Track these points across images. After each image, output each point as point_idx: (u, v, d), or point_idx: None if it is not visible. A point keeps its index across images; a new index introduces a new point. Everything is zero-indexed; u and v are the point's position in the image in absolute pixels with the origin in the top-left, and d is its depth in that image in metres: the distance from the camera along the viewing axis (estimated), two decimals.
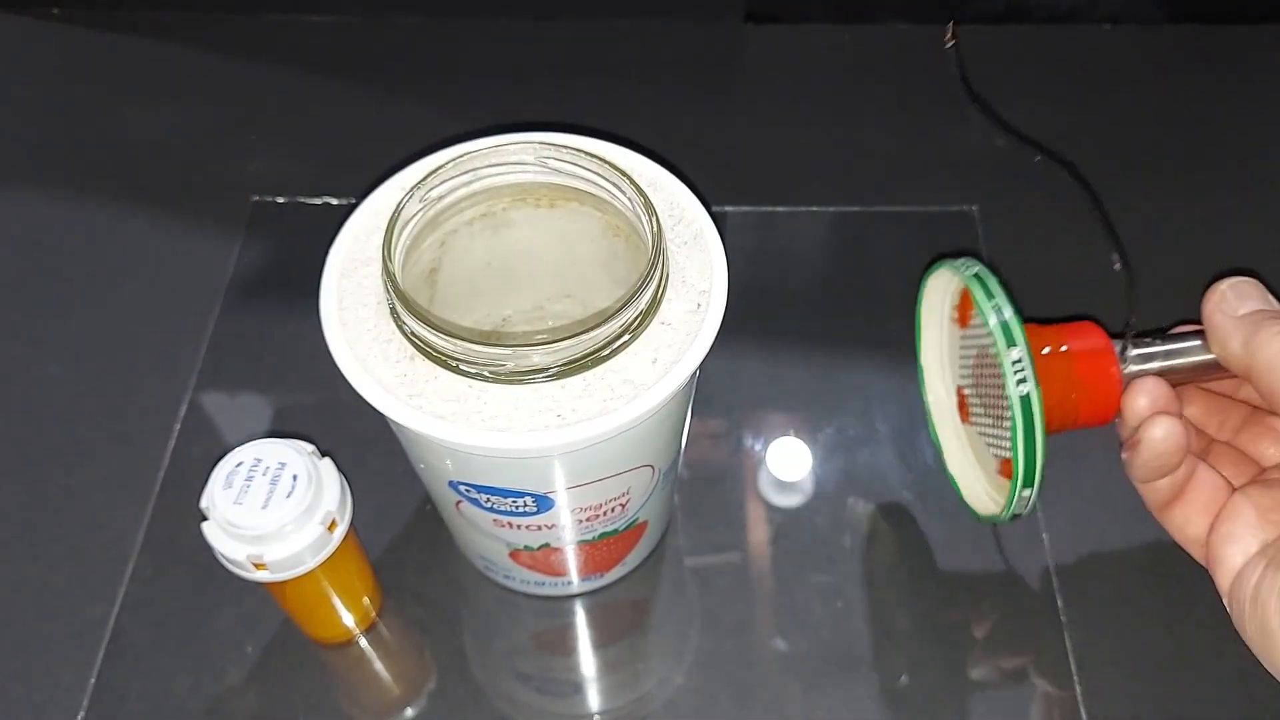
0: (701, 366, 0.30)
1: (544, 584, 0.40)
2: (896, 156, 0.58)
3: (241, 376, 0.48)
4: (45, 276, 0.52)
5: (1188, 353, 0.36)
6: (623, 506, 0.35)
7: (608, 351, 0.29)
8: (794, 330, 0.50)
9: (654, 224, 0.30)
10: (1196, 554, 0.35)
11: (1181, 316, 0.50)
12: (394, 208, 0.31)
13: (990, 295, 0.35)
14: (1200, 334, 0.35)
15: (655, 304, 0.30)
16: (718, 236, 0.33)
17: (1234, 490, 0.34)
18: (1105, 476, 0.44)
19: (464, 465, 0.31)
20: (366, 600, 0.40)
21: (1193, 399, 0.38)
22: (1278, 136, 0.58)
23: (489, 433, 0.28)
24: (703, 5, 0.63)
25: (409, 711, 0.39)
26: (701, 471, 0.45)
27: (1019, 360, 0.34)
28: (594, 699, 0.40)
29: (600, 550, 0.38)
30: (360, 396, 0.29)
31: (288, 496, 0.32)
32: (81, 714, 0.39)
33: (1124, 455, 0.35)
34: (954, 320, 0.42)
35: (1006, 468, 0.38)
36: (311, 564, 0.34)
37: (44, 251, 0.53)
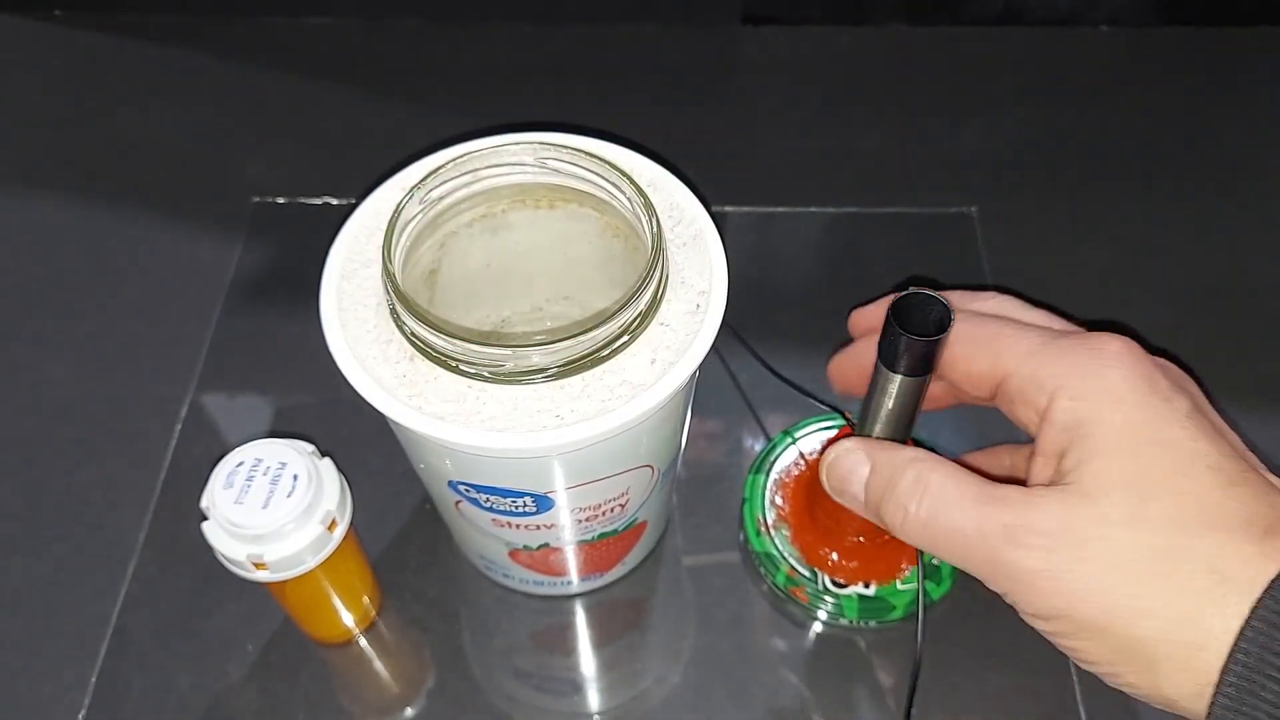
0: (700, 367, 0.30)
1: (543, 584, 0.41)
2: (895, 158, 0.58)
3: (242, 377, 0.48)
4: (47, 277, 0.52)
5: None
6: (622, 507, 0.35)
7: (607, 352, 0.29)
8: (794, 330, 0.50)
9: (654, 224, 0.30)
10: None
11: (1175, 318, 0.51)
12: (394, 209, 0.31)
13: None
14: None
15: (654, 305, 0.30)
16: (718, 237, 0.33)
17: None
18: None
19: (463, 465, 0.31)
20: (366, 600, 0.40)
21: None
22: (1274, 138, 0.58)
23: (488, 433, 0.28)
24: (700, 8, 0.64)
25: (409, 710, 0.39)
26: (699, 471, 0.45)
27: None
28: (592, 697, 0.40)
29: (599, 550, 0.38)
30: (360, 396, 0.29)
31: (288, 496, 0.33)
32: (83, 711, 0.39)
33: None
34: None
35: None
36: (311, 564, 0.34)
37: (46, 253, 0.54)
